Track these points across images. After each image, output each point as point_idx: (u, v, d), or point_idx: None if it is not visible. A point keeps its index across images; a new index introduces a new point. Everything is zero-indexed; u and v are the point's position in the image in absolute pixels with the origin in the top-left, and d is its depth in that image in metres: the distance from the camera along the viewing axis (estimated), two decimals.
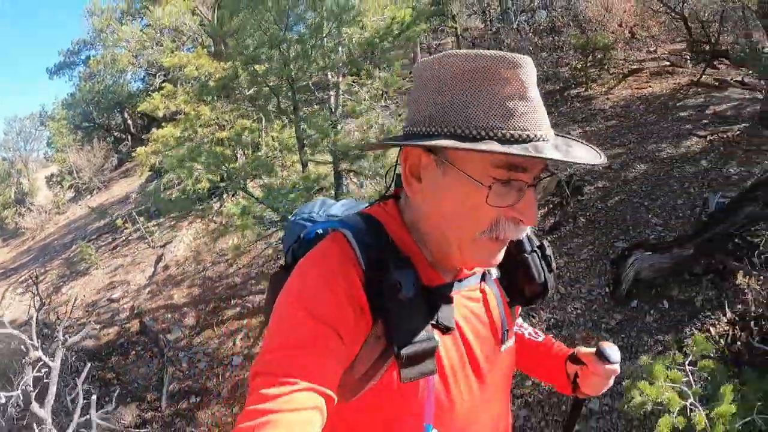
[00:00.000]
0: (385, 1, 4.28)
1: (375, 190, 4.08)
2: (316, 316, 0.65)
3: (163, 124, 6.48)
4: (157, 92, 6.84)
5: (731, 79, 7.51)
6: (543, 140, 0.66)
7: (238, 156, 4.54)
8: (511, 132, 0.64)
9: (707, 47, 8.59)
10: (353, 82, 4.48)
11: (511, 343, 0.89)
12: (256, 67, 4.28)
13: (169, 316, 5.50)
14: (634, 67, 9.09)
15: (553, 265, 0.90)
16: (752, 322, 3.30)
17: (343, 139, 4.16)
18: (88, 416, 3.39)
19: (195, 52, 5.88)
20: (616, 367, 0.92)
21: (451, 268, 0.80)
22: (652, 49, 10.06)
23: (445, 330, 0.74)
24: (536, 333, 1.10)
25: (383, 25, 4.06)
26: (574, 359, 0.98)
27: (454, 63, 0.68)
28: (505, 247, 0.74)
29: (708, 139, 5.63)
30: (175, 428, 3.94)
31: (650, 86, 7.94)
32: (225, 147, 5.35)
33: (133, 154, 7.96)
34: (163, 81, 11.44)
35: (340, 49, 4.07)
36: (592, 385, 0.96)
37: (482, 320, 0.83)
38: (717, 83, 7.47)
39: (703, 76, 7.66)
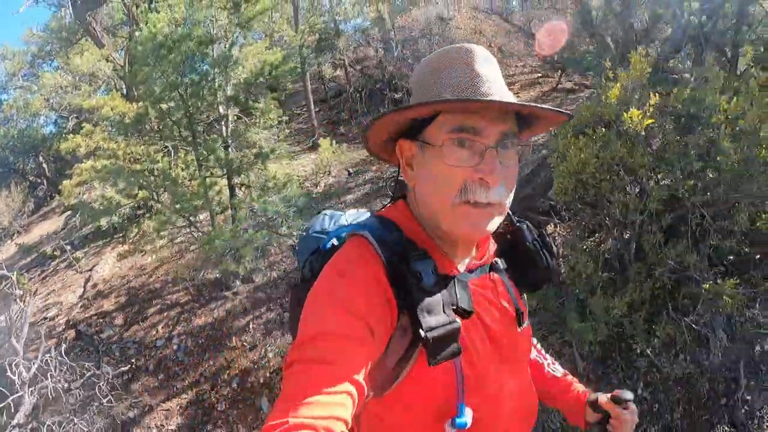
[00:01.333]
0: (260, 48, 5.57)
1: (264, 199, 5.27)
2: (347, 309, 0.70)
3: (83, 160, 7.36)
4: (73, 133, 7.75)
5: (581, 83, 9.36)
6: (491, 98, 0.74)
7: (152, 178, 5.57)
8: (460, 95, 0.76)
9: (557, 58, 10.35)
10: (239, 112, 5.71)
11: (526, 325, 0.96)
12: (162, 105, 5.42)
13: (101, 320, 6.38)
14: (507, 81, 10.83)
15: (554, 250, 1.00)
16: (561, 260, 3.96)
17: (235, 158, 5.36)
18: None
19: (110, 95, 6.87)
20: (633, 406, 1.00)
21: (461, 257, 0.87)
22: (520, 64, 11.83)
23: (466, 314, 0.78)
24: (555, 364, 1.16)
25: (258, 67, 5.34)
26: (595, 407, 1.05)
27: (427, 60, 0.83)
28: (497, 220, 0.80)
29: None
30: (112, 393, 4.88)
31: (519, 95, 9.62)
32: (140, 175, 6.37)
33: (52, 197, 8.57)
34: (76, 123, 12.14)
35: (226, 87, 5.30)
36: (625, 430, 1.02)
37: (496, 305, 0.89)
38: (576, 87, 9.26)
39: (567, 83, 9.46)
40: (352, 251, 0.80)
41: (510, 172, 0.79)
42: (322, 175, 8.35)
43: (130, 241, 7.99)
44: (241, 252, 4.86)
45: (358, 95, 11.22)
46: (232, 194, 5.40)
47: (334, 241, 0.98)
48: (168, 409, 4.87)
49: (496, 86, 0.77)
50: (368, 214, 1.07)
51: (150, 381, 5.17)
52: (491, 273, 0.92)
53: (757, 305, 3.30)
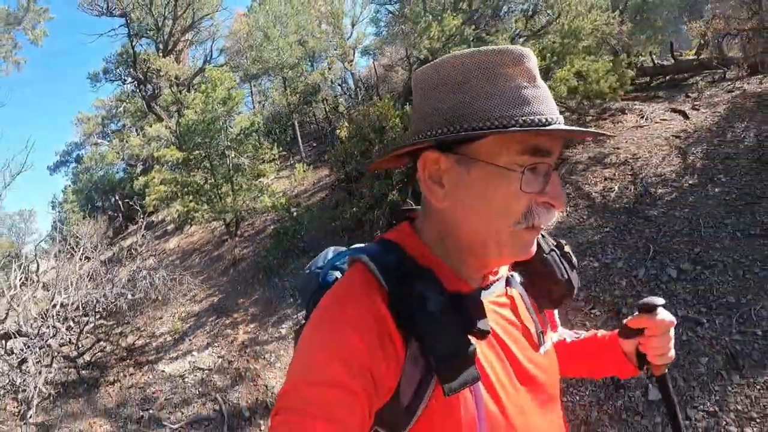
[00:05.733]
0: (241, 119, 11.01)
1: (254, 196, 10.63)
2: (338, 355, 0.64)
3: (152, 190, 12.96)
4: (142, 175, 13.37)
5: None
6: (558, 123, 0.68)
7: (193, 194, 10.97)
8: (531, 117, 0.66)
9: None
10: (236, 153, 11.11)
11: (549, 346, 0.88)
12: (195, 152, 10.87)
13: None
14: None
15: (574, 261, 0.92)
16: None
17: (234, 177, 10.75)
18: None
19: (170, 148, 12.36)
20: (667, 314, 0.91)
21: (478, 274, 0.81)
22: None
23: (482, 334, 0.70)
24: (576, 333, 1.10)
25: (239, 129, 10.79)
26: (626, 333, 0.97)
27: (462, 64, 0.70)
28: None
29: None
30: None
31: None
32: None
33: (126, 227, 13.97)
34: (143, 167, 17.17)
35: (225, 140, 10.73)
36: (658, 350, 0.93)
37: (514, 324, 0.82)
38: None
39: None
40: (347, 283, 0.75)
41: None
42: (296, 184, 13.65)
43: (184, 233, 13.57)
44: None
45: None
46: (235, 197, 10.77)
47: (338, 274, 0.92)
48: None
49: (551, 97, 0.71)
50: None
51: None
52: (507, 288, 0.86)
53: None
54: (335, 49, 16.92)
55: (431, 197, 0.75)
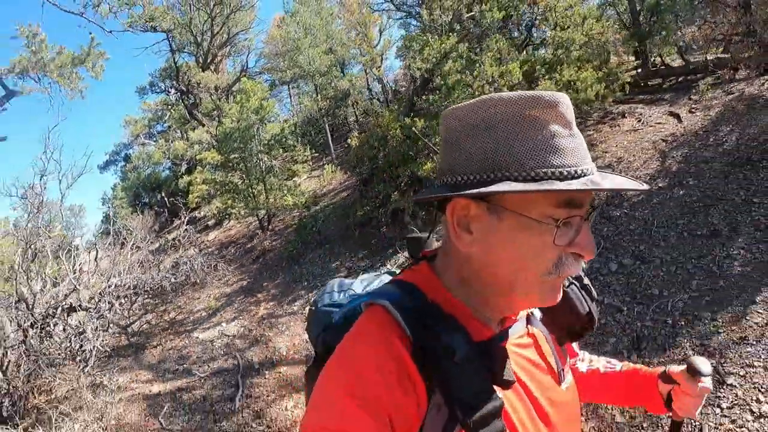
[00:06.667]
0: (272, 126, 12.23)
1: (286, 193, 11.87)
2: (357, 401, 0.63)
3: (195, 188, 14.37)
4: (186, 174, 14.85)
5: None
6: (592, 173, 0.68)
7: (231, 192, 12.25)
8: (567, 169, 0.66)
9: None
10: (267, 157, 12.32)
11: (570, 380, 0.88)
12: (233, 155, 12.17)
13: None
14: None
15: (594, 293, 0.93)
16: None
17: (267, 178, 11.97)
18: None
19: (210, 151, 13.75)
20: (708, 382, 0.92)
21: (499, 315, 0.79)
22: None
23: (507, 385, 0.70)
24: (610, 362, 1.11)
25: (270, 135, 12.02)
26: (666, 378, 1.00)
27: (495, 107, 0.69)
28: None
29: None
30: None
31: None
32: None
33: (171, 221, 15.52)
34: (187, 167, 18.49)
35: (258, 145, 11.99)
36: (685, 406, 0.97)
37: (538, 365, 0.82)
38: None
39: None
40: (367, 326, 0.74)
41: None
42: (324, 184, 14.83)
43: (223, 228, 14.98)
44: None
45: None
46: (267, 196, 12.01)
47: (348, 315, 0.91)
48: None
49: (585, 146, 0.70)
50: (385, 278, 1.04)
51: None
52: (529, 326, 0.85)
53: None
54: (363, 56, 17.93)
55: (458, 242, 0.73)
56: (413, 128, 7.23)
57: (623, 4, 10.36)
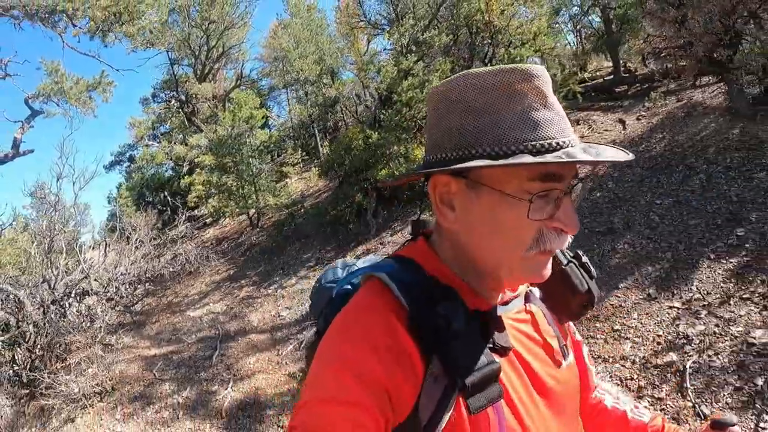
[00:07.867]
0: (260, 133, 13.62)
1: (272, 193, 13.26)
2: (353, 371, 0.64)
3: (194, 188, 15.80)
4: (188, 175, 16.32)
5: None
6: (571, 146, 0.67)
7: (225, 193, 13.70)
8: (541, 142, 0.65)
9: None
10: (259, 162, 13.70)
11: (571, 360, 0.88)
12: (226, 159, 13.57)
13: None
14: None
15: (593, 271, 0.92)
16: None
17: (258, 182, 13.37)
18: None
19: (207, 155, 15.17)
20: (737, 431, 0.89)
21: (496, 292, 0.80)
22: None
23: (503, 351, 0.72)
24: (639, 410, 1.03)
25: (258, 141, 13.41)
26: None
27: (471, 83, 0.68)
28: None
29: None
30: None
31: None
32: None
33: (173, 219, 17.15)
34: (188, 168, 19.46)
35: (248, 150, 13.38)
36: None
37: (535, 340, 0.82)
38: None
39: None
40: (363, 299, 0.75)
41: None
42: (311, 185, 16.23)
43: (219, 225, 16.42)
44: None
45: None
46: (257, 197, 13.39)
47: (348, 287, 0.92)
48: None
49: (566, 118, 0.70)
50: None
51: None
52: (527, 304, 0.85)
53: None
54: (351, 64, 19.18)
55: (442, 219, 0.74)
56: (369, 140, 8.63)
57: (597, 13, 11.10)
